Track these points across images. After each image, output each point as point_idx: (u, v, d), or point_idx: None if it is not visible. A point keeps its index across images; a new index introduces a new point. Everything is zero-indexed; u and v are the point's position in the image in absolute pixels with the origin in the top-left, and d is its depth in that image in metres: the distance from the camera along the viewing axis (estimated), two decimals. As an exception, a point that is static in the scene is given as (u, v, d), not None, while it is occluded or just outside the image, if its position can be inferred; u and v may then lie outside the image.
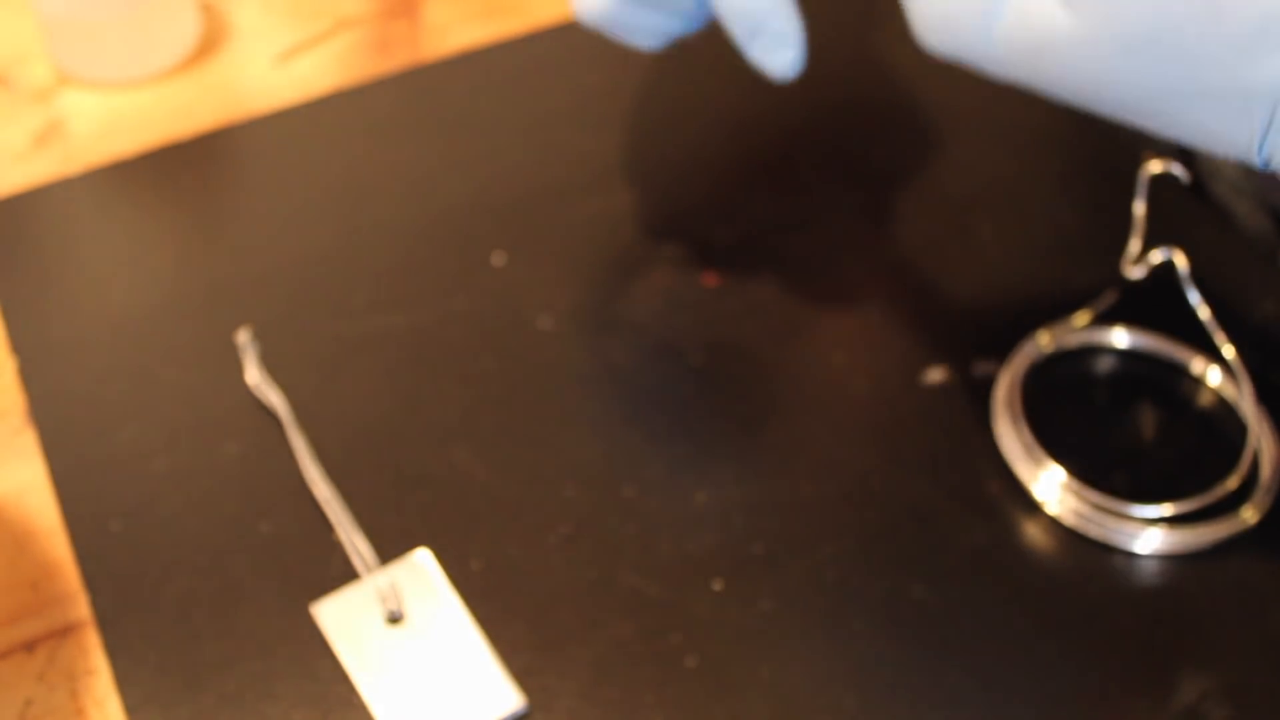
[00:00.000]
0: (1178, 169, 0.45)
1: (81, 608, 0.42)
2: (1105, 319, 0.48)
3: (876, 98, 0.56)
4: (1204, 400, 0.47)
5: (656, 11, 0.43)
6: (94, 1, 0.54)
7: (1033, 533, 0.43)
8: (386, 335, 0.48)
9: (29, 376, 0.47)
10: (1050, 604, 0.42)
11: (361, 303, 0.49)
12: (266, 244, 0.51)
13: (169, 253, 0.51)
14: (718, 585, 0.42)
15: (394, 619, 0.41)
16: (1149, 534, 0.43)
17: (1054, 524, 0.44)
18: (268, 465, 0.45)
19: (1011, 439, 0.45)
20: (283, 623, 0.41)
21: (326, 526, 0.43)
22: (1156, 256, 0.45)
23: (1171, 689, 0.40)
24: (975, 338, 0.48)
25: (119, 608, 0.42)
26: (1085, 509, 0.43)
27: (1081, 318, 0.48)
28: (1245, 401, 0.45)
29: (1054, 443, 0.45)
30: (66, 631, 0.42)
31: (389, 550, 0.43)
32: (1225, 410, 0.46)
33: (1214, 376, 0.47)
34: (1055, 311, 0.48)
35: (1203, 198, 0.52)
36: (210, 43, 0.59)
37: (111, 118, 0.56)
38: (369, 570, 0.42)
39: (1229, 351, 0.45)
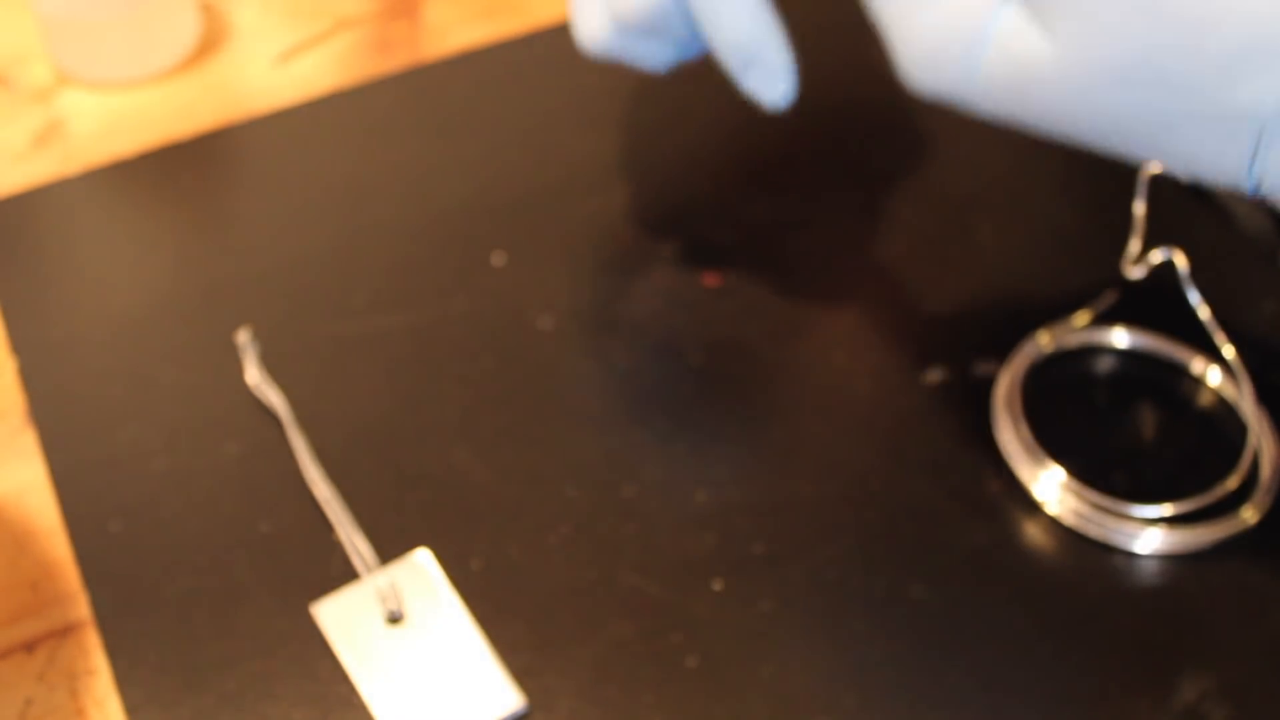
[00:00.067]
0: (1178, 169, 0.45)
1: (81, 608, 0.42)
2: (1105, 319, 0.48)
3: (876, 98, 0.56)
4: (1204, 400, 0.47)
5: (655, 41, 0.44)
6: (94, 1, 0.54)
7: (1033, 533, 0.44)
8: (386, 335, 0.48)
9: (29, 376, 0.47)
10: (1050, 604, 0.42)
11: (361, 303, 0.49)
12: (266, 244, 0.51)
13: (169, 253, 0.51)
14: (718, 585, 0.42)
15: (394, 619, 0.41)
16: (1149, 534, 0.43)
17: (1054, 524, 0.44)
18: (268, 465, 0.45)
19: (1011, 439, 0.45)
20: (283, 623, 0.41)
21: (326, 526, 0.43)
22: (1156, 256, 0.45)
23: (1171, 689, 0.40)
24: (975, 338, 0.48)
25: (119, 608, 0.42)
26: (1085, 509, 0.43)
27: (1081, 318, 0.48)
28: (1245, 401, 0.45)
29: (1054, 443, 0.45)
30: (66, 631, 0.42)
31: (389, 550, 0.43)
32: (1225, 410, 0.46)
33: (1214, 376, 0.47)
34: (1055, 311, 0.48)
35: (1203, 198, 0.52)
36: (210, 43, 0.59)
37: (111, 118, 0.56)
38: (369, 570, 0.42)
39: (1229, 351, 0.45)
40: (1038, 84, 0.35)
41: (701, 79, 0.56)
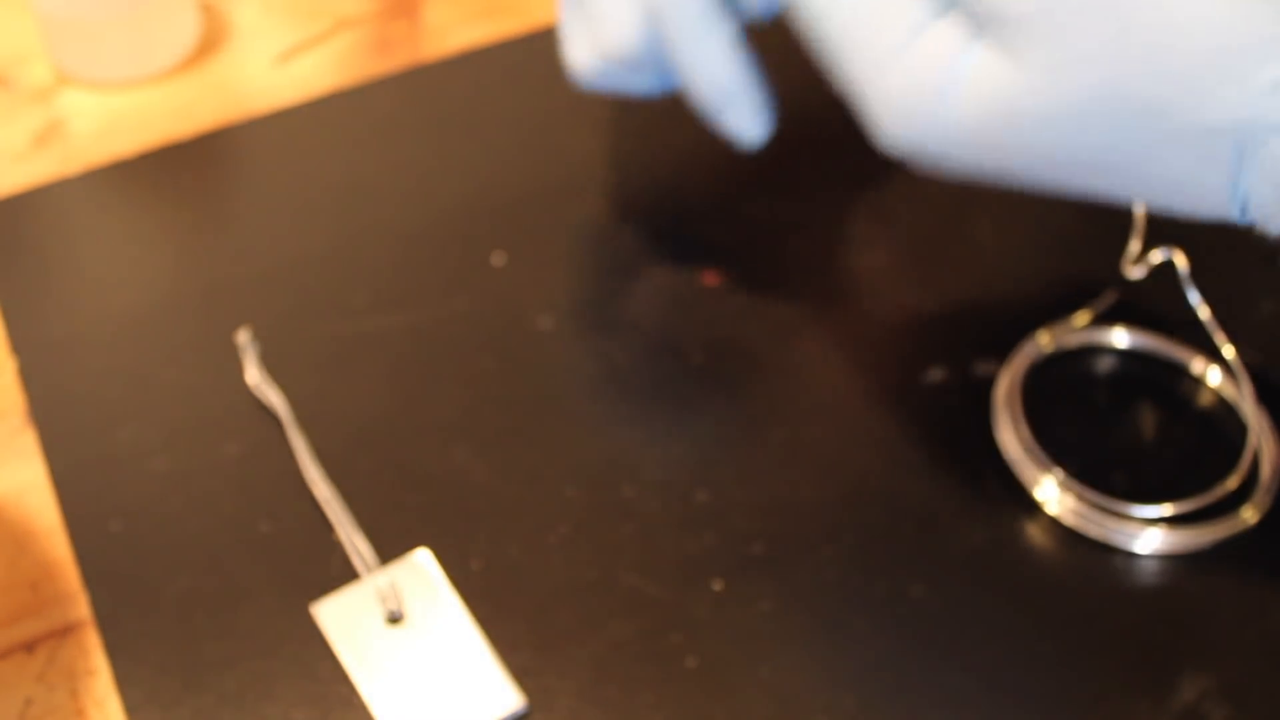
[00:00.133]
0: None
1: (81, 608, 0.42)
2: (1105, 319, 0.48)
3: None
4: (1204, 400, 0.47)
5: (642, 74, 0.44)
6: (94, 1, 0.54)
7: (1033, 533, 0.44)
8: (386, 335, 0.48)
9: (29, 376, 0.47)
10: (1050, 604, 0.42)
11: (361, 303, 0.49)
12: (266, 244, 0.51)
13: (169, 253, 0.51)
14: (718, 585, 0.42)
15: (394, 619, 0.41)
16: (1149, 534, 0.43)
17: (1054, 524, 0.44)
18: (268, 465, 0.45)
19: (1011, 439, 0.45)
20: (283, 623, 0.41)
21: (326, 526, 0.43)
22: (1156, 256, 0.45)
23: (1171, 689, 0.40)
24: (975, 338, 0.48)
25: (119, 608, 0.42)
26: (1085, 509, 0.43)
27: (1081, 318, 0.48)
28: (1245, 401, 0.45)
29: (1054, 443, 0.45)
30: (66, 631, 0.42)
31: (389, 550, 0.43)
32: (1225, 410, 0.46)
33: (1214, 376, 0.47)
34: (1055, 311, 0.48)
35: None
36: (210, 43, 0.59)
37: (111, 118, 0.56)
38: (369, 570, 0.42)
39: (1229, 351, 0.45)
40: (1013, 122, 0.35)
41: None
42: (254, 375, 0.47)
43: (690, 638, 0.41)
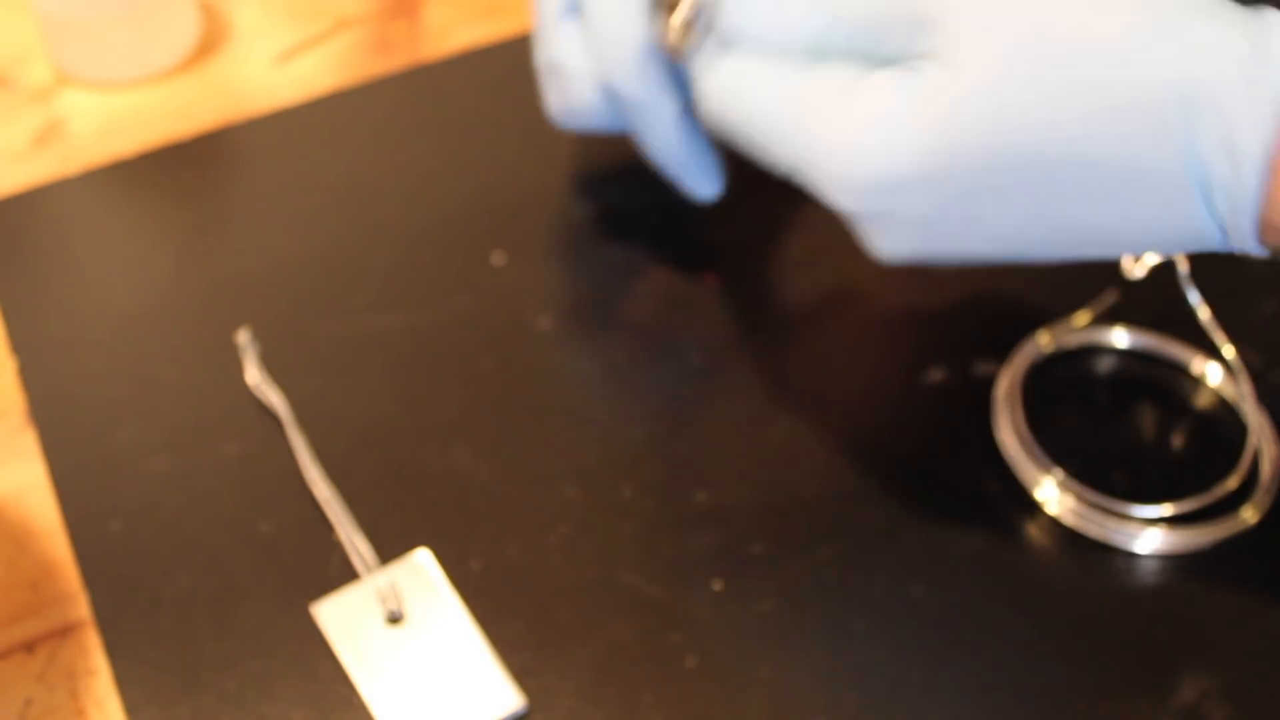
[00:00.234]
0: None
1: (81, 608, 0.42)
2: (1105, 319, 0.48)
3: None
4: (1204, 400, 0.47)
5: (616, 118, 0.46)
6: (94, 1, 0.54)
7: (1033, 533, 0.44)
8: (386, 335, 0.48)
9: (29, 376, 0.47)
10: (1050, 604, 0.42)
11: (361, 303, 0.49)
12: (266, 244, 0.51)
13: (169, 253, 0.51)
14: (718, 585, 0.42)
15: (394, 619, 0.41)
16: (1149, 534, 0.43)
17: (1054, 524, 0.44)
18: (268, 465, 0.45)
19: (1011, 439, 0.45)
20: (283, 623, 0.41)
21: (326, 526, 0.43)
22: (1156, 256, 0.45)
23: (1171, 689, 0.40)
24: (975, 338, 0.48)
25: (119, 608, 0.42)
26: (1085, 509, 0.43)
27: (1081, 318, 0.48)
28: (1245, 401, 0.45)
29: (1054, 443, 0.45)
30: (66, 631, 0.42)
31: (389, 550, 0.43)
32: (1225, 410, 0.46)
33: (1214, 376, 0.47)
34: (1055, 311, 0.48)
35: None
36: (210, 43, 0.59)
37: (111, 118, 0.56)
38: (369, 570, 0.42)
39: (1229, 351, 0.45)
40: (963, 131, 0.35)
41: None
42: (254, 375, 0.47)
43: (690, 637, 0.41)
